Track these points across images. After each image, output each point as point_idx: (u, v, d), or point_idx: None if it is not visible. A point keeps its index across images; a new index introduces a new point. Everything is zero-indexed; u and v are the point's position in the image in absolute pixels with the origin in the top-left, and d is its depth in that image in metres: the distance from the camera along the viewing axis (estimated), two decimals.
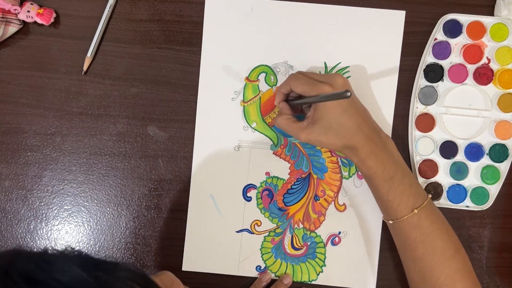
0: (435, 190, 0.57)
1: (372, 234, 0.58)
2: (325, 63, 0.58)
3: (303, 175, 0.58)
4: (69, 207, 0.58)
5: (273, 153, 0.58)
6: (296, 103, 0.53)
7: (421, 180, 0.57)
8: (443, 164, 0.57)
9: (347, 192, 0.58)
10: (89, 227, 0.59)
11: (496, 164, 0.57)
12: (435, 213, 0.51)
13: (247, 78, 0.58)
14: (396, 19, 0.57)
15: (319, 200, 0.58)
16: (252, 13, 0.57)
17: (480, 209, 0.57)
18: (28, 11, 0.56)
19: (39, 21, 0.56)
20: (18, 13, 0.56)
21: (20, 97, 0.58)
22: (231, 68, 0.58)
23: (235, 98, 0.58)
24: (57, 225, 0.58)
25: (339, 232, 0.58)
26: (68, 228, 0.58)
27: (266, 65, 0.58)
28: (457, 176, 0.57)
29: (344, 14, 0.57)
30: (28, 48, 0.58)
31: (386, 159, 0.50)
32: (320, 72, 0.57)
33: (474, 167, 0.57)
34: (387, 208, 0.51)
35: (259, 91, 0.58)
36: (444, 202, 0.57)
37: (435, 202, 0.57)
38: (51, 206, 0.58)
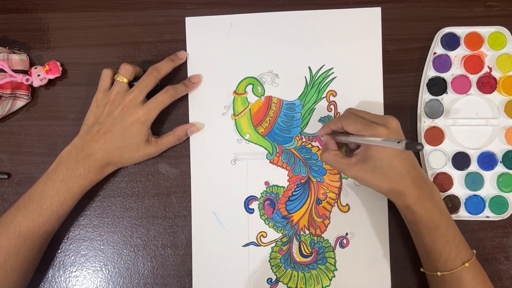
0: (452, 203, 0.56)
1: (380, 231, 0.57)
2: (309, 67, 0.58)
3: (302, 180, 0.58)
4: (85, 252, 0.58)
5: (269, 162, 0.58)
6: (350, 140, 0.51)
7: None
8: (457, 176, 0.57)
9: (349, 192, 0.57)
10: (107, 271, 0.58)
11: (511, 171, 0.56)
12: (476, 267, 0.50)
13: (234, 92, 0.59)
14: (372, 15, 0.58)
15: (321, 203, 0.58)
16: (232, 28, 0.59)
17: (500, 219, 0.56)
18: (38, 75, 0.57)
19: (52, 77, 0.58)
20: (32, 82, 0.57)
21: (32, 147, 0.59)
22: (218, 83, 0.59)
23: (226, 112, 0.58)
24: (74, 271, 0.58)
25: (346, 234, 0.57)
26: (86, 273, 0.58)
27: (252, 77, 0.59)
28: (473, 186, 0.56)
29: (322, 18, 0.58)
30: (36, 98, 0.60)
31: (432, 207, 0.49)
32: (305, 77, 0.58)
33: (489, 176, 0.56)
34: (429, 258, 0.50)
35: (248, 103, 0.58)
36: (463, 214, 0.56)
37: (454, 215, 0.56)
38: (67, 253, 0.58)
